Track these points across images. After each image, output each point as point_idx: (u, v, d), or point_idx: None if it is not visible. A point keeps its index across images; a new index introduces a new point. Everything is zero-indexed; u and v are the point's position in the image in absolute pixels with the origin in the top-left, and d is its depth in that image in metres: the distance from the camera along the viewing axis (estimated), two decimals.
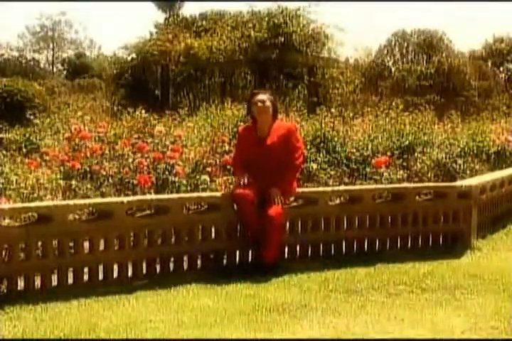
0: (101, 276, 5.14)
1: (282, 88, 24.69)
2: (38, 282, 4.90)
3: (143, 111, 10.34)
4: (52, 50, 55.96)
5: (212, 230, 5.61)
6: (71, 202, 5.36)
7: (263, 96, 5.83)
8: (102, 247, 5.14)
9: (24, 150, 8.83)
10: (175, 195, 5.93)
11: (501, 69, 34.17)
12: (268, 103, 5.80)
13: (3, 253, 4.79)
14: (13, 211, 4.97)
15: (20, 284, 4.85)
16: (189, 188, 6.62)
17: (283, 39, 24.58)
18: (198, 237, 5.55)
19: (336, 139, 8.85)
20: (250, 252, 5.72)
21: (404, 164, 8.55)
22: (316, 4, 25.29)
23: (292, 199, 5.95)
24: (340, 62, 28.00)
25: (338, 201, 6.18)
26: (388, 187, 6.82)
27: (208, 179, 6.79)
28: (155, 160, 6.84)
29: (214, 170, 7.13)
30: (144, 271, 5.33)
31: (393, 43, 32.92)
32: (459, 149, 9.52)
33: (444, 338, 4.12)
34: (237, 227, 5.70)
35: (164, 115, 11.56)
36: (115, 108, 19.44)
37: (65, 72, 50.57)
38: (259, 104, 5.78)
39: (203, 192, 6.32)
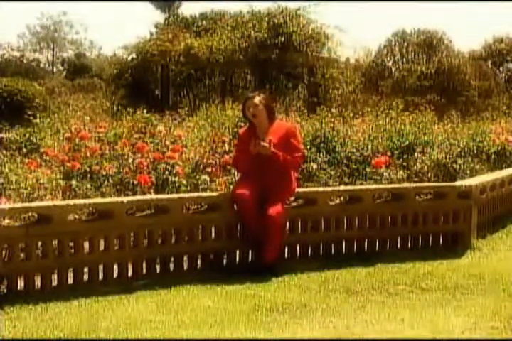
0: (101, 276, 5.14)
1: (282, 88, 24.70)
2: (38, 282, 4.90)
3: (144, 111, 10.35)
4: (53, 50, 55.96)
5: (212, 230, 5.62)
6: (71, 202, 5.36)
7: (255, 100, 5.80)
8: (102, 247, 5.15)
9: (24, 150, 8.80)
10: (175, 195, 5.92)
11: (501, 69, 34.16)
12: (261, 106, 5.79)
13: (3, 253, 4.79)
14: (13, 211, 4.97)
15: (20, 284, 4.85)
16: (189, 188, 6.61)
17: (283, 39, 24.56)
18: (198, 237, 5.55)
19: (336, 139, 8.85)
20: (250, 252, 5.72)
21: (404, 164, 8.54)
22: (316, 4, 25.19)
23: (292, 199, 5.96)
24: (340, 62, 27.98)
25: (338, 201, 6.18)
26: (388, 187, 6.81)
27: (208, 179, 6.79)
28: (155, 160, 6.84)
29: (214, 170, 7.12)
30: (144, 271, 5.34)
31: (393, 43, 32.90)
32: (459, 149, 9.51)
33: (444, 338, 4.12)
34: (237, 227, 5.70)
35: (164, 115, 11.55)
36: (115, 108, 19.44)
37: (65, 72, 50.54)
38: (251, 109, 5.78)
39: (203, 192, 6.32)
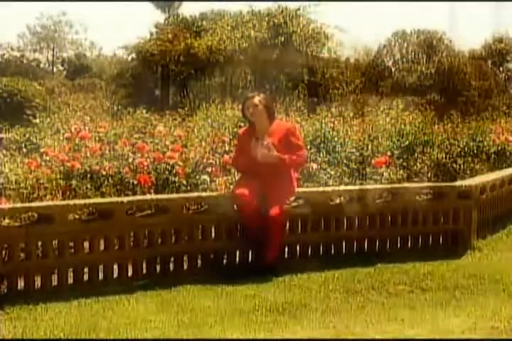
0: (101, 276, 5.14)
1: (282, 88, 24.70)
2: (38, 282, 4.90)
3: (144, 111, 10.36)
4: (53, 50, 55.94)
5: (212, 230, 5.62)
6: (71, 202, 5.37)
7: (255, 100, 5.79)
8: (102, 247, 5.15)
9: (24, 150, 8.81)
10: (175, 195, 5.93)
11: (501, 69, 34.14)
12: (260, 107, 5.78)
13: (3, 253, 4.79)
14: (13, 211, 4.97)
15: (20, 284, 4.85)
16: (189, 188, 6.62)
17: (283, 39, 24.60)
18: (198, 237, 5.55)
19: (336, 139, 8.85)
20: (250, 252, 5.72)
21: (404, 164, 8.54)
22: (316, 4, 25.24)
23: (292, 199, 5.95)
24: (340, 62, 28.00)
25: (338, 201, 6.18)
26: (388, 187, 6.81)
27: (208, 179, 6.79)
28: (155, 160, 6.85)
29: (214, 170, 7.12)
30: (144, 271, 5.33)
31: (393, 43, 32.87)
32: (459, 149, 9.52)
33: (444, 338, 4.12)
34: (237, 227, 5.70)
35: (164, 115, 11.55)
36: (115, 108, 19.42)
37: (65, 72, 50.53)
38: (251, 109, 5.78)
39: (203, 192, 6.32)
